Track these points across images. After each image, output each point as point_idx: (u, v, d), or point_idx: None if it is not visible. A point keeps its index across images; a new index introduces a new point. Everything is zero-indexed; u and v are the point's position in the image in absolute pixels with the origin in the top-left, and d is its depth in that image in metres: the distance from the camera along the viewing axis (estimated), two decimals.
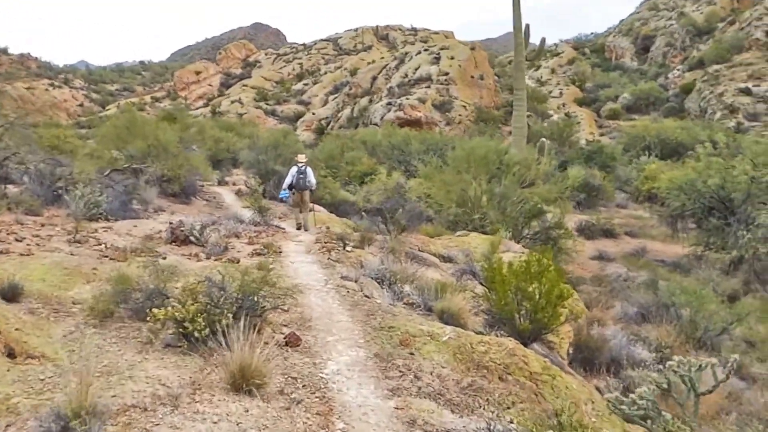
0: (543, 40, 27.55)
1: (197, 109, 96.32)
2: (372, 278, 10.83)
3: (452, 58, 74.12)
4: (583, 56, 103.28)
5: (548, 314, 9.13)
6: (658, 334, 12.75)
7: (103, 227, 14.16)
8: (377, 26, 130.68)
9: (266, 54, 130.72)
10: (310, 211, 17.66)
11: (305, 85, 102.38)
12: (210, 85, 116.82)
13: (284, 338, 7.39)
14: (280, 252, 13.01)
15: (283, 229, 17.02)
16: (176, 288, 7.76)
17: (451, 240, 16.31)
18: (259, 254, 12.51)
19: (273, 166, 24.90)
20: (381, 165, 30.72)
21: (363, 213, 20.18)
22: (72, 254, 10.73)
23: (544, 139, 26.54)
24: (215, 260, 11.64)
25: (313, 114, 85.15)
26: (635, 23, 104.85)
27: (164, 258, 11.30)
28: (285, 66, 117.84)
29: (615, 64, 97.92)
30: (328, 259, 12.23)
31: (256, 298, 7.35)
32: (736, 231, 18.38)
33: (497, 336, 8.60)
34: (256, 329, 6.96)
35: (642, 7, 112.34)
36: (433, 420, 5.71)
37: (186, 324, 6.56)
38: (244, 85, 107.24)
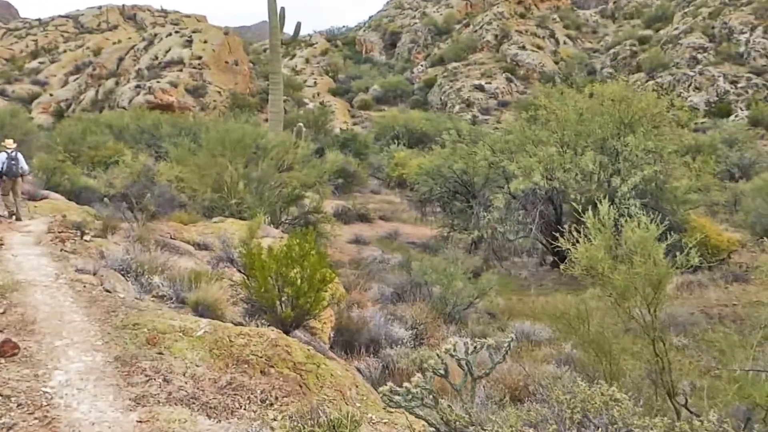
0: (298, 25, 27.29)
1: None
2: (115, 270, 9.52)
3: (205, 42, 71.52)
4: (335, 48, 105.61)
5: (311, 300, 8.61)
6: (412, 312, 12.91)
7: None
8: (123, 5, 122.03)
9: None
10: (24, 199, 16.32)
11: (41, 63, 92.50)
12: None
13: None
14: (1, 244, 11.07)
15: (10, 219, 14.75)
16: None
17: (207, 227, 15.23)
18: None
19: None
20: (129, 149, 28.29)
21: (106, 199, 18.21)
22: None
23: (301, 124, 26.23)
24: None
25: (51, 95, 77.22)
26: (384, 20, 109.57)
27: None
28: (17, 42, 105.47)
29: (365, 58, 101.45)
30: (62, 250, 10.61)
31: None
32: (477, 213, 19.48)
33: (258, 326, 7.89)
34: None
35: (389, 5, 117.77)
36: (185, 430, 4.84)
37: None
38: None
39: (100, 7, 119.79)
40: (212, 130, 20.47)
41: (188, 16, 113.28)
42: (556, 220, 17.42)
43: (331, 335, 10.44)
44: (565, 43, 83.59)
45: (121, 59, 78.18)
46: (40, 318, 7.09)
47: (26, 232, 12.70)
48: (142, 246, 11.35)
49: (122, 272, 9.53)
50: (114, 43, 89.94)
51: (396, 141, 43.79)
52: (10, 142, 15.87)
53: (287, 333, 7.92)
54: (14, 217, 14.86)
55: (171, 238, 13.28)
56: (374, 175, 37.50)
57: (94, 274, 9.09)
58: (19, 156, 15.61)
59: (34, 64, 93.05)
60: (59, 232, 12.25)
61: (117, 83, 70.08)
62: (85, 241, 11.38)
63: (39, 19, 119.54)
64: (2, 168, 15.09)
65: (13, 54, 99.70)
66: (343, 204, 26.97)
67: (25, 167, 15.85)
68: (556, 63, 77.08)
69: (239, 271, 10.67)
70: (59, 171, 21.96)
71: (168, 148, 23.60)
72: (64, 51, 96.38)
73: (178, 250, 12.38)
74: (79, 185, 22.30)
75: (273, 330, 7.14)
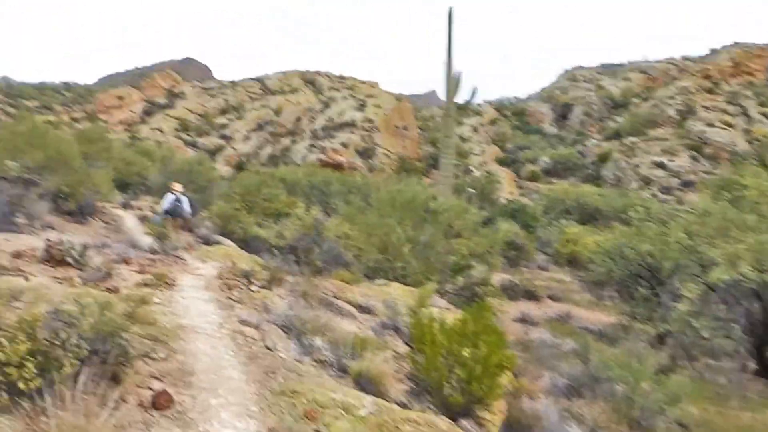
0: (474, 90, 26.85)
1: (117, 134, 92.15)
2: (277, 325, 9.03)
3: (378, 107, 73.75)
4: (504, 118, 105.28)
5: (485, 386, 7.55)
6: (591, 411, 11.36)
7: None
8: (305, 71, 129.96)
9: (192, 86, 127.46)
10: (199, 243, 17.86)
11: (229, 120, 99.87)
12: (132, 111, 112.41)
13: (152, 397, 5.53)
14: (173, 285, 11.02)
15: (185, 260, 15.04)
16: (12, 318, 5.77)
17: (370, 289, 14.63)
18: (147, 285, 10.51)
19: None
20: (301, 203, 28.91)
21: (275, 250, 18.33)
22: None
23: (472, 190, 25.56)
24: (92, 287, 9.60)
25: (234, 149, 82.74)
26: (555, 91, 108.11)
27: (27, 279, 9.18)
28: (210, 100, 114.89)
29: (535, 128, 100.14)
30: (228, 298, 10.34)
31: (117, 341, 5.48)
32: (665, 303, 17.46)
33: (423, 410, 6.96)
34: (115, 382, 5.12)
35: (562, 77, 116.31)
36: None
37: (10, 369, 4.64)
38: (166, 115, 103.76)
39: (284, 72, 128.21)
40: (383, 190, 20.20)
41: (363, 83, 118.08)
42: (763, 320, 15.12)
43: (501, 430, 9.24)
44: (759, 121, 77.51)
45: (298, 119, 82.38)
46: (198, 369, 6.62)
47: (198, 275, 12.72)
48: (306, 302, 10.89)
49: (284, 329, 9.02)
50: (294, 105, 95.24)
51: (566, 216, 41.97)
52: (177, 186, 17.35)
53: (453, 420, 6.92)
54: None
55: (334, 296, 12.79)
56: (542, 250, 35.82)
57: (257, 328, 8.63)
58: (184, 199, 17.00)
59: (222, 120, 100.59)
60: (228, 279, 12.13)
61: (293, 141, 73.66)
62: (251, 290, 11.10)
63: (231, 81, 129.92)
64: (168, 208, 16.63)
65: (206, 110, 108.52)
66: (509, 278, 25.65)
67: (188, 209, 17.12)
68: (749, 142, 71.50)
69: (405, 342, 9.84)
70: (234, 219, 22.60)
71: (338, 204, 23.69)
72: (250, 110, 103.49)
73: (341, 310, 11.82)
74: (251, 234, 22.79)
75: (443, 420, 6.18)
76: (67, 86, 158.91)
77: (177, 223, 16.78)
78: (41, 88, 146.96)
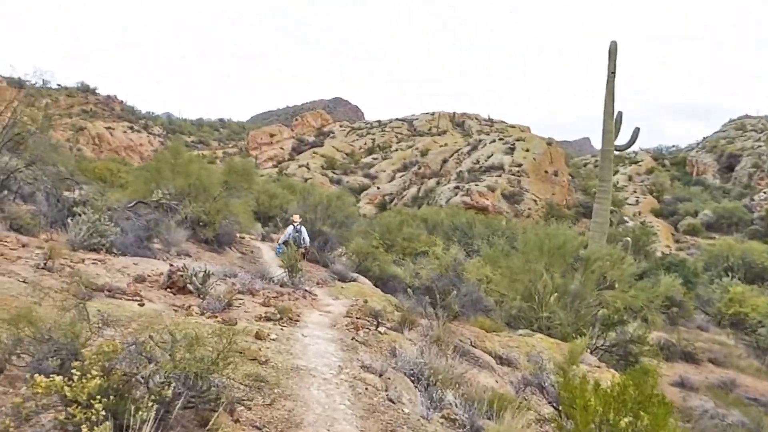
0: (636, 131, 24.84)
1: (266, 169, 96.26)
2: (404, 373, 8.01)
3: (527, 151, 71.89)
4: (662, 167, 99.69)
5: None
6: None
7: (96, 259, 11.84)
8: (454, 113, 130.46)
9: (341, 126, 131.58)
10: (334, 278, 18.14)
11: (374, 159, 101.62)
12: (282, 148, 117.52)
13: None
14: (296, 321, 10.34)
15: (315, 295, 14.45)
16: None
17: (512, 339, 13.31)
18: (269, 319, 9.88)
19: (320, 226, 22.51)
20: (440, 242, 28.01)
21: (410, 290, 17.42)
22: (24, 281, 8.32)
23: (628, 239, 23.49)
24: (209, 317, 9.06)
25: (378, 188, 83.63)
26: (720, 141, 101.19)
27: (141, 304, 8.77)
28: (357, 140, 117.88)
29: (696, 180, 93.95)
30: (353, 339, 9.45)
31: (212, 381, 4.67)
32: None
33: None
34: (205, 430, 4.30)
35: (728, 126, 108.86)
36: None
37: (75, 409, 3.90)
38: (314, 152, 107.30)
39: (433, 113, 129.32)
40: (530, 233, 18.83)
41: (513, 126, 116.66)
42: None
43: None
44: None
45: (444, 161, 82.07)
46: (307, 420, 5.72)
47: (325, 312, 12.02)
48: (439, 349, 9.81)
49: (412, 378, 7.99)
50: (441, 146, 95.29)
51: (730, 274, 38.16)
52: (297, 218, 18.51)
53: None
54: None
55: (471, 344, 11.62)
56: (702, 309, 32.55)
57: (380, 375, 7.66)
58: (303, 230, 18.09)
59: (368, 159, 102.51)
60: (356, 318, 11.32)
61: (438, 183, 73.24)
62: (379, 332, 10.17)
63: (379, 121, 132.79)
64: (287, 238, 17.60)
65: (353, 149, 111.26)
66: (665, 337, 23.18)
67: (307, 239, 18.11)
68: None
69: (550, 403, 8.50)
70: (371, 256, 22.02)
71: (480, 246, 22.51)
72: (396, 150, 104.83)
73: (478, 361, 10.63)
74: (387, 273, 22.13)
75: None
76: (223, 123, 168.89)
77: (299, 252, 17.00)
78: (199, 125, 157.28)
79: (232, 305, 10.39)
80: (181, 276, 10.63)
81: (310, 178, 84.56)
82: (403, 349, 9.19)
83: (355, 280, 19.19)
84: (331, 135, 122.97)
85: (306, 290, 14.55)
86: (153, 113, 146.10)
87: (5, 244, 11.07)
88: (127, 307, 8.30)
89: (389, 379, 7.56)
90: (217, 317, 9.07)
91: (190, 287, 10.49)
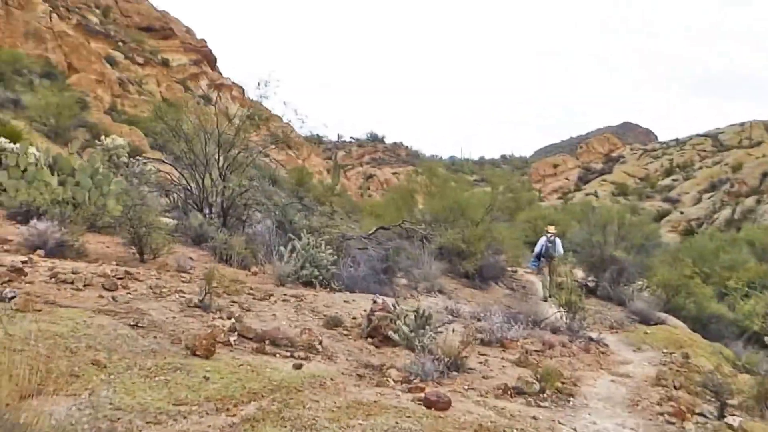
0: None
1: (549, 201, 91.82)
2: None
3: None
4: None
5: None
6: None
7: (294, 295, 9.05)
8: None
9: (631, 149, 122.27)
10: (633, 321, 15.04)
11: (674, 180, 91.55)
12: (567, 179, 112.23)
13: None
14: (571, 395, 6.29)
15: (605, 346, 10.20)
16: None
17: None
18: (520, 392, 6.01)
19: (611, 251, 17.89)
20: None
21: (748, 339, 12.24)
22: (137, 324, 5.56)
23: None
24: (411, 390, 5.43)
25: (681, 213, 74.36)
26: None
27: (299, 365, 5.43)
28: (652, 162, 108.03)
29: None
30: None
31: None
32: None
33: None
34: None
35: None
36: None
37: None
38: (603, 180, 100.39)
39: (742, 124, 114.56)
40: None
41: None
42: None
43: None
44: None
45: (764, 175, 70.68)
46: None
47: (620, 376, 7.78)
48: None
49: None
50: (757, 158, 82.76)
51: None
52: (551, 228, 17.22)
53: None
54: (545, 300, 15.64)
55: None
56: None
57: None
58: (558, 242, 16.63)
59: (666, 181, 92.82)
60: (675, 387, 6.95)
61: (758, 201, 62.85)
62: (727, 424, 5.68)
63: (676, 139, 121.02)
64: (541, 250, 16.49)
65: (648, 173, 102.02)
66: None
67: (561, 250, 16.70)
68: None
69: None
70: (683, 290, 16.93)
71: None
72: (700, 168, 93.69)
73: None
74: (707, 312, 16.88)
75: None
76: (505, 159, 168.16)
77: (552, 264, 16.51)
78: (480, 163, 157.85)
79: (465, 366, 6.68)
80: (385, 317, 7.21)
81: (598, 207, 78.20)
82: None
83: (663, 322, 14.48)
84: (621, 160, 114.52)
85: (591, 338, 10.32)
86: (437, 156, 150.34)
87: (182, 276, 8.75)
88: (271, 370, 5.10)
89: None
90: (422, 391, 5.38)
91: (395, 336, 7.01)
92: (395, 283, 13.40)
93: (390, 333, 7.07)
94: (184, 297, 7.57)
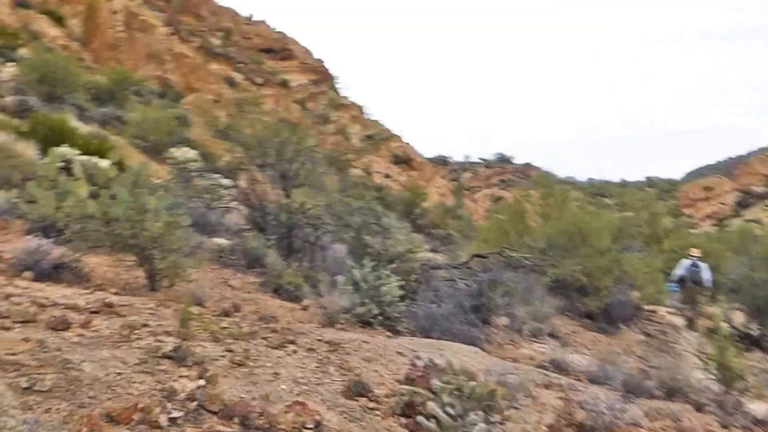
0: None
1: (701, 228, 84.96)
2: None
3: None
4: None
5: None
6: None
7: (327, 341, 6.80)
8: None
9: None
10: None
11: None
12: (722, 203, 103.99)
13: None
14: None
15: None
16: None
17: None
18: None
19: None
20: None
21: None
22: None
23: None
24: None
25: None
26: None
27: None
28: None
29: None
30: None
31: None
32: None
33: None
34: None
35: None
36: None
37: None
38: (766, 205, 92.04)
39: None
40: None
41: None
42: None
43: None
44: None
45: None
46: None
47: None
48: None
49: None
50: None
51: None
52: (695, 251, 16.12)
53: None
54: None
55: None
56: None
57: None
58: (704, 267, 15.42)
59: None
60: None
61: None
62: None
63: None
64: (682, 274, 15.39)
65: None
66: None
67: (708, 277, 15.39)
68: None
69: None
70: None
71: None
72: None
73: None
74: None
75: None
76: (651, 182, 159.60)
77: (695, 292, 15.30)
78: (623, 186, 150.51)
79: None
80: (418, 391, 4.77)
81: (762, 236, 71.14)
82: None
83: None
84: None
85: (756, 420, 7.32)
86: (573, 178, 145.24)
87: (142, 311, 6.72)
88: None
89: None
90: None
91: (429, 424, 4.52)
92: (491, 324, 10.87)
93: (420, 419, 4.59)
94: (159, 343, 5.48)
